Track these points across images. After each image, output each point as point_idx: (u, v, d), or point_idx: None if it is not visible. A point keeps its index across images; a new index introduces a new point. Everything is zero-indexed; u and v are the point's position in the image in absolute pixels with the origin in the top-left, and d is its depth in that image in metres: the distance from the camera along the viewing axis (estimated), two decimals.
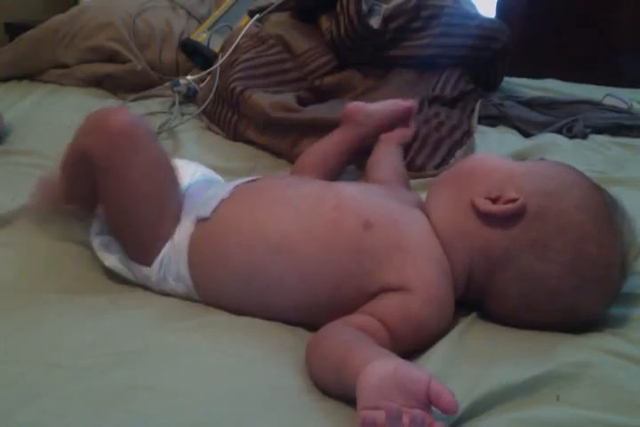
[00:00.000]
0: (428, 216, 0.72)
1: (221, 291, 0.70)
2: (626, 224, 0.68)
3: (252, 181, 0.80)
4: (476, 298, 0.69)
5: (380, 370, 0.51)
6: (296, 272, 0.67)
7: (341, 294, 0.66)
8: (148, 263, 0.73)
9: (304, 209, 0.71)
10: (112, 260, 0.76)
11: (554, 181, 0.68)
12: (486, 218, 0.67)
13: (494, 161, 0.75)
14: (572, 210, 0.66)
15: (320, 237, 0.68)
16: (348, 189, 0.75)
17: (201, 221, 0.72)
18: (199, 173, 0.84)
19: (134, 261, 0.74)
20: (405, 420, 0.47)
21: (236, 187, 0.76)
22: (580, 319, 0.66)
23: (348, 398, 0.55)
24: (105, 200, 0.74)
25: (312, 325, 0.66)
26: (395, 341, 0.62)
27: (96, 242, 0.78)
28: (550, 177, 0.69)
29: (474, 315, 0.69)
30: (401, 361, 0.53)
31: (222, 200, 0.74)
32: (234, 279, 0.69)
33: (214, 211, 0.73)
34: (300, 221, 0.69)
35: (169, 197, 0.74)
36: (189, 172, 0.82)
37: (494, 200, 0.67)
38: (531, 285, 0.65)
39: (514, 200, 0.66)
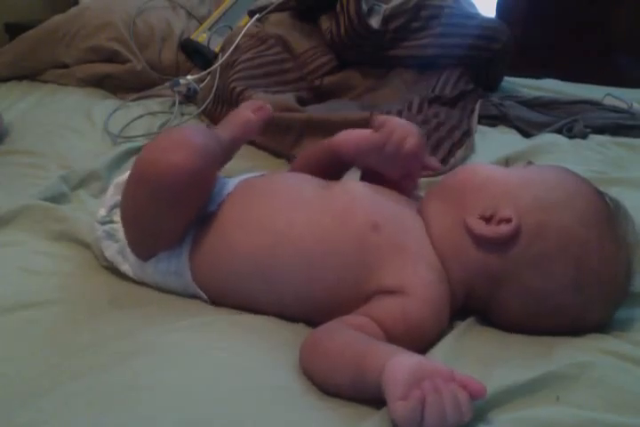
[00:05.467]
0: (425, 225, 0.71)
1: (222, 283, 0.70)
2: (630, 226, 0.67)
3: (259, 175, 0.79)
4: (478, 309, 0.69)
5: (405, 363, 0.51)
6: (300, 262, 0.67)
7: (342, 287, 0.66)
8: (146, 259, 0.73)
9: (314, 202, 0.71)
10: (112, 250, 0.76)
11: (552, 193, 0.67)
12: (481, 239, 0.66)
13: (487, 172, 0.72)
14: (573, 224, 0.64)
15: (328, 230, 0.68)
16: (359, 188, 0.74)
17: (206, 215, 0.72)
18: None
19: (134, 254, 0.73)
20: (447, 394, 0.49)
21: (242, 181, 0.76)
22: (585, 327, 0.66)
23: (358, 397, 0.55)
24: (128, 199, 0.71)
25: (312, 321, 0.67)
26: (390, 342, 0.61)
27: (100, 230, 0.78)
28: (548, 187, 0.67)
29: (472, 318, 0.69)
30: (421, 356, 0.54)
31: (228, 194, 0.73)
32: (237, 269, 0.69)
33: (220, 204, 0.72)
34: (310, 212, 0.70)
35: (191, 217, 0.71)
36: None
37: (488, 219, 0.66)
38: (534, 301, 0.65)
39: (508, 220, 0.64)
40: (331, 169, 0.81)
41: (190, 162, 0.65)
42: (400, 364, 0.51)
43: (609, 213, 0.66)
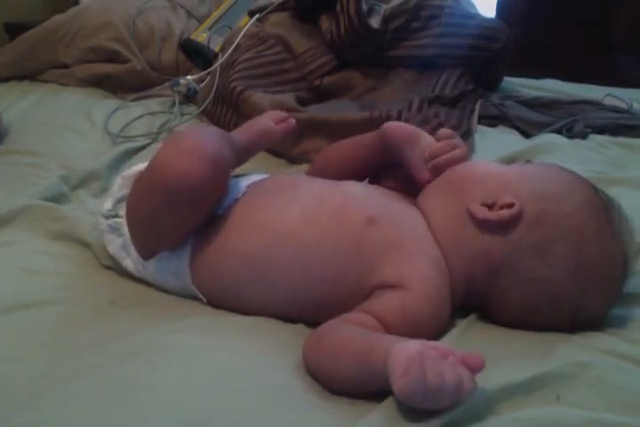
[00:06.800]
0: (425, 220, 0.71)
1: (221, 286, 0.70)
2: (624, 223, 0.68)
3: (262, 179, 0.79)
4: (477, 302, 0.69)
5: (409, 347, 0.52)
6: (298, 262, 0.67)
7: (341, 286, 0.66)
8: (147, 258, 0.73)
9: (309, 204, 0.71)
10: (115, 245, 0.76)
11: (551, 184, 0.68)
12: (484, 225, 0.67)
13: (486, 166, 0.74)
14: (572, 213, 0.65)
15: (324, 229, 0.68)
16: (354, 188, 0.75)
17: (211, 218, 0.72)
18: None
19: (136, 251, 0.73)
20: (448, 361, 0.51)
21: (248, 186, 0.76)
22: (585, 320, 0.66)
23: (362, 390, 0.56)
24: (135, 200, 0.71)
25: (312, 321, 0.67)
26: None
27: (104, 224, 0.78)
28: (547, 180, 0.69)
29: (472, 316, 0.69)
30: (424, 340, 0.55)
31: (235, 200, 0.73)
32: (237, 271, 0.69)
33: (227, 208, 0.72)
34: (305, 213, 0.70)
35: (196, 222, 0.71)
36: None
37: (490, 206, 0.67)
38: (533, 290, 0.65)
39: (510, 205, 0.66)
40: (363, 161, 0.82)
41: (201, 170, 0.65)
42: (405, 347, 0.52)
43: (604, 205, 0.67)
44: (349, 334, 0.60)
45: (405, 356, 0.51)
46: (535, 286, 0.65)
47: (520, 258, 0.65)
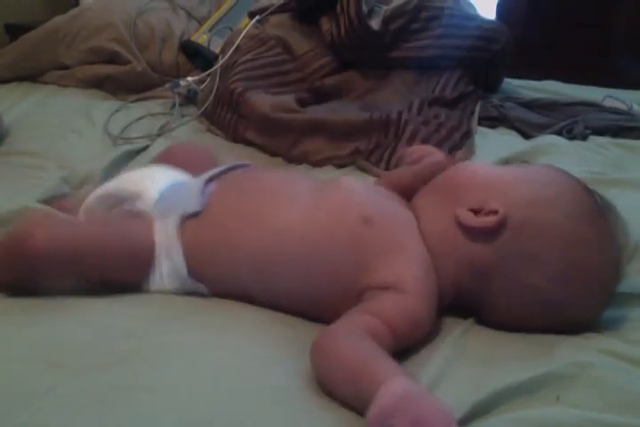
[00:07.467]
0: (416, 220, 0.71)
1: (221, 278, 0.71)
2: (619, 225, 0.67)
3: (238, 168, 0.79)
4: (467, 305, 0.69)
5: (395, 391, 0.50)
6: (295, 257, 0.68)
7: (336, 285, 0.67)
8: None
9: (310, 200, 0.72)
10: None
11: (542, 189, 0.68)
12: (469, 231, 0.67)
13: (478, 169, 0.74)
14: (560, 218, 0.65)
15: (322, 225, 0.69)
16: (352, 185, 0.75)
17: (189, 216, 0.72)
18: (170, 179, 0.80)
19: None
20: None
21: (224, 179, 0.77)
22: (575, 322, 0.66)
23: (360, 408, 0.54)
24: None
25: (309, 316, 0.67)
26: (396, 338, 0.62)
27: None
28: (538, 183, 0.69)
29: (472, 319, 0.69)
30: (414, 384, 0.52)
31: (212, 193, 0.74)
32: (236, 265, 0.70)
33: (204, 203, 0.72)
34: (305, 209, 0.70)
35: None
36: (161, 181, 0.79)
37: (477, 211, 0.67)
38: (522, 295, 0.65)
39: (495, 211, 0.65)
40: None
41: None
42: (389, 391, 0.49)
43: (597, 209, 0.67)
44: (350, 352, 0.58)
45: (389, 402, 0.48)
46: (522, 291, 0.65)
47: (506, 264, 0.65)
